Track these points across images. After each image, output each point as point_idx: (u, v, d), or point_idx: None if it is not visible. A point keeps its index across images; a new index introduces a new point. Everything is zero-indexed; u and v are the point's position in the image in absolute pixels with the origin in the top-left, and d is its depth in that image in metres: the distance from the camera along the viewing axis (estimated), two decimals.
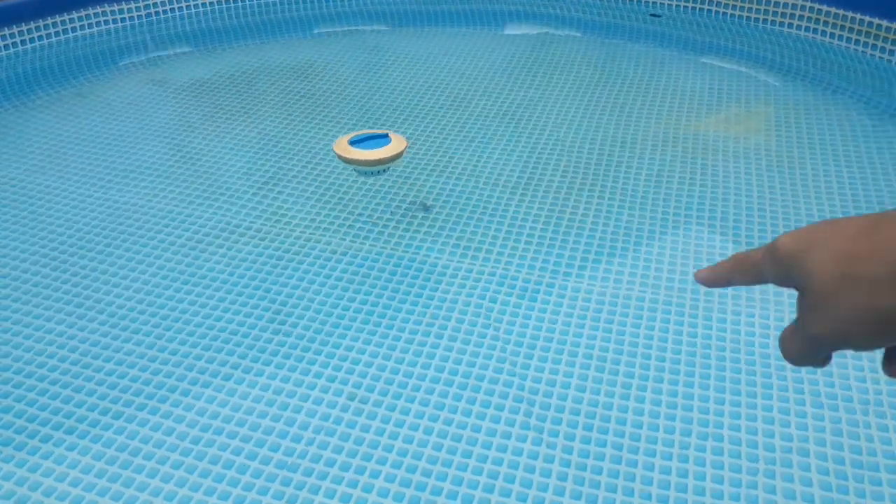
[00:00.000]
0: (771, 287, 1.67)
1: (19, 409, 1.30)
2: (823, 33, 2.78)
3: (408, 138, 1.94)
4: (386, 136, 1.76)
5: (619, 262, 1.64)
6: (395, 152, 1.74)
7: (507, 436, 1.24)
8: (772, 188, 1.88)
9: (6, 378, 1.36)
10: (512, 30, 3.14)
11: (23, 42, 2.77)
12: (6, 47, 2.73)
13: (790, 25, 2.89)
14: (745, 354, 1.38)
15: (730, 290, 1.54)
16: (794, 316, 0.43)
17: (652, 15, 3.09)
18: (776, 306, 1.50)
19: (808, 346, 0.42)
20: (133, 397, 1.32)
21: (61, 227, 1.80)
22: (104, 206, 1.89)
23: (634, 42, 2.93)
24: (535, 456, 1.20)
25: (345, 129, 2.23)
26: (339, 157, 1.75)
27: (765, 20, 2.94)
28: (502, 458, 1.20)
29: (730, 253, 1.65)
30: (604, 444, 1.22)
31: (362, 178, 1.90)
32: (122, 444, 1.23)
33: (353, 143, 1.76)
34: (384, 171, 1.77)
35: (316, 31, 3.20)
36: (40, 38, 2.83)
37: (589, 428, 1.24)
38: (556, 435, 1.24)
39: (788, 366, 1.36)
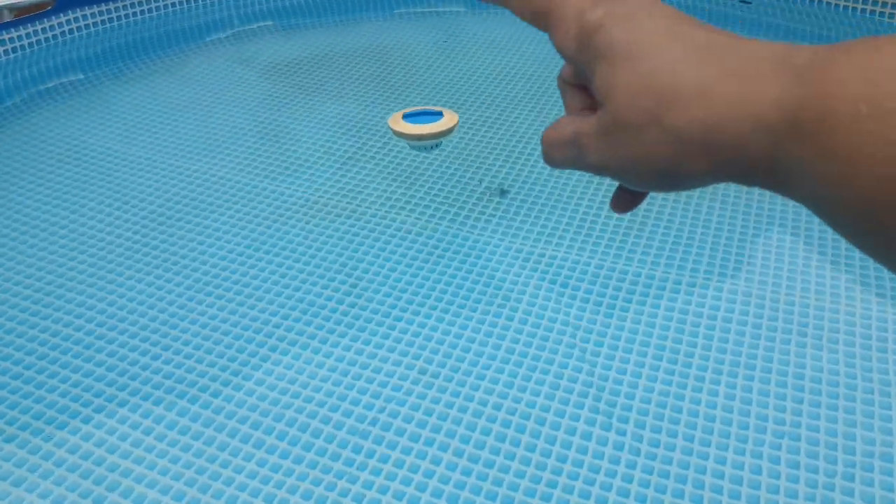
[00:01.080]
0: (874, 275, 1.60)
1: (100, 373, 1.38)
2: (882, 14, 2.64)
3: (461, 115, 1.94)
4: (440, 112, 1.77)
5: (703, 252, 1.61)
6: (443, 129, 1.74)
7: (576, 418, 1.24)
8: None
9: (96, 339, 1.44)
10: None
11: (118, 17, 2.89)
12: (102, 22, 2.85)
13: (891, 16, 2.76)
14: (827, 352, 1.35)
15: (825, 286, 1.49)
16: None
17: (742, 1, 3.00)
18: (878, 299, 1.45)
19: (580, 164, 0.36)
20: (217, 359, 1.38)
21: (151, 196, 1.88)
22: (192, 176, 1.96)
23: (724, 29, 2.84)
24: (604, 441, 1.20)
25: None
26: (392, 130, 1.76)
27: (863, 9, 2.81)
28: (571, 440, 1.21)
29: (819, 246, 1.60)
30: (675, 435, 1.21)
31: (415, 152, 1.92)
32: (204, 403, 1.29)
33: (406, 117, 1.78)
34: (436, 146, 1.80)
35: (395, 11, 3.22)
36: (134, 14, 2.95)
37: (660, 417, 1.24)
38: (625, 421, 1.23)
39: (875, 364, 1.32)
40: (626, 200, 0.39)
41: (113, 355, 1.40)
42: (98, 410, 1.28)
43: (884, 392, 1.26)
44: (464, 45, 2.75)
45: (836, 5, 2.87)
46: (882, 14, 2.77)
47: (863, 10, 2.81)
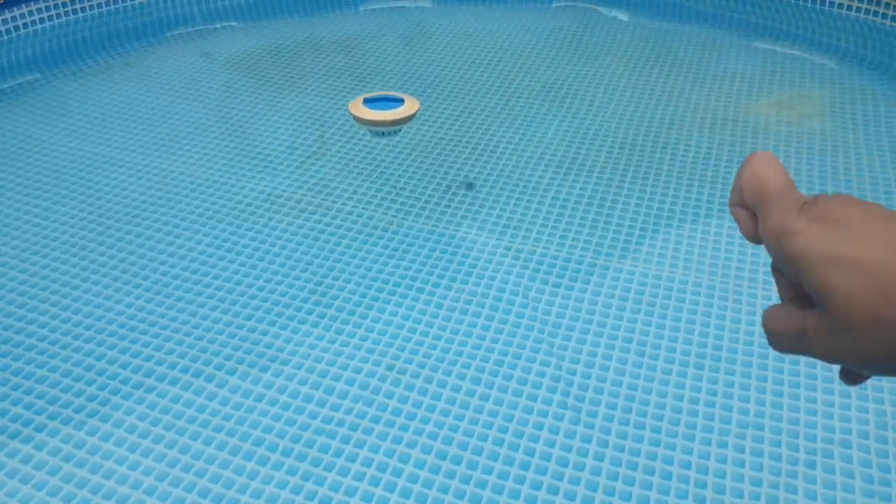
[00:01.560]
0: None
1: (65, 369, 1.34)
2: (884, 16, 2.68)
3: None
4: (401, 99, 1.75)
5: (663, 245, 1.61)
6: (403, 115, 1.72)
7: (544, 414, 1.23)
8: (822, 174, 1.83)
9: (56, 341, 1.40)
10: (560, 7, 3.09)
11: (74, 11, 2.82)
12: (58, 16, 2.78)
13: (849, 7, 2.79)
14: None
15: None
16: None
17: None
18: None
19: (808, 354, 0.36)
20: (178, 359, 1.35)
21: (110, 194, 1.84)
22: (152, 173, 1.92)
23: (686, 23, 2.86)
24: (571, 435, 1.20)
25: None
26: (353, 116, 1.73)
27: (822, 2, 2.85)
28: (539, 435, 1.20)
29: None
30: (642, 427, 1.21)
31: (381, 145, 1.91)
32: (164, 407, 1.26)
33: (367, 102, 1.75)
34: (396, 132, 1.78)
35: (361, 7, 3.19)
36: (91, 7, 2.87)
37: (627, 410, 1.24)
38: (594, 415, 1.23)
39: (834, 367, 1.33)
40: (856, 376, 0.39)
41: (67, 360, 1.36)
42: (53, 417, 1.25)
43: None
44: (430, 38, 2.73)
45: (797, 1, 2.91)
46: (840, 6, 2.81)
47: (830, 3, 2.84)
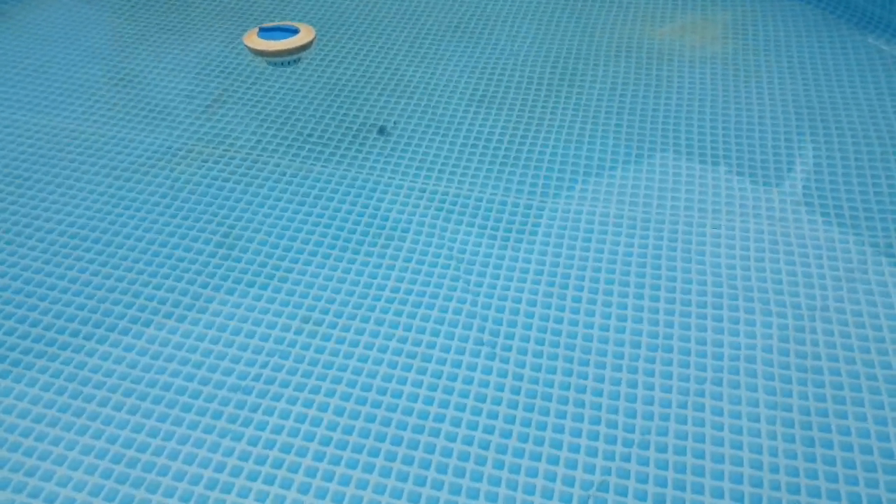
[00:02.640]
0: (740, 199, 1.62)
1: None
2: None
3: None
4: (296, 29, 1.69)
5: (577, 177, 1.62)
6: (299, 44, 1.67)
7: (461, 351, 1.24)
8: (726, 98, 1.87)
9: None
10: None
11: None
12: None
13: None
14: (696, 268, 1.40)
15: (694, 201, 1.54)
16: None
17: None
18: (741, 219, 1.51)
19: None
20: (79, 326, 1.29)
21: None
22: (38, 131, 1.80)
23: None
24: (488, 370, 1.21)
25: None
26: (248, 48, 1.67)
27: None
28: (457, 373, 1.21)
29: (688, 165, 1.64)
30: (555, 358, 1.23)
31: (271, 69, 1.85)
32: (69, 374, 1.21)
33: (262, 33, 1.68)
34: (295, 62, 1.75)
35: None
36: None
37: (541, 342, 1.26)
38: (508, 350, 1.25)
39: (740, 285, 1.38)
40: None
41: None
42: None
43: (747, 298, 1.33)
44: None
45: None
46: None
47: None
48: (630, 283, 1.36)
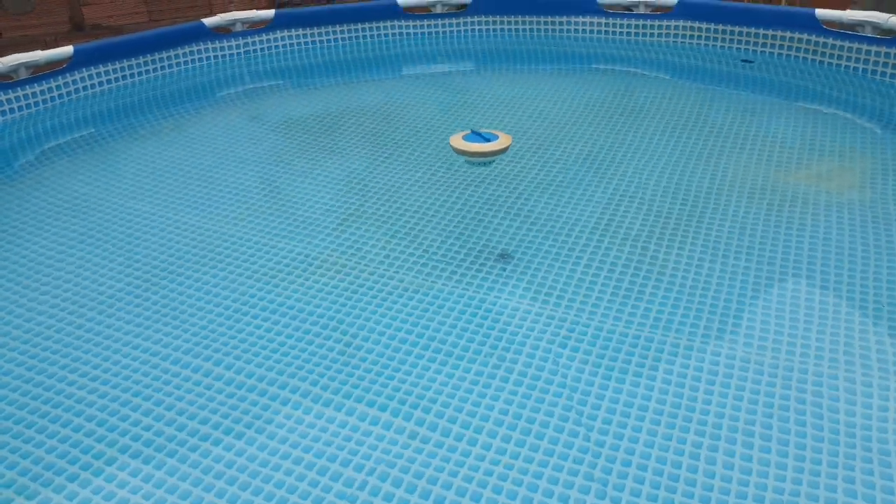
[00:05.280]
0: (877, 352, 1.52)
1: (110, 422, 1.37)
2: None
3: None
4: (496, 135, 2.21)
5: (699, 314, 1.59)
6: (497, 148, 2.12)
7: (569, 485, 1.21)
8: (865, 244, 1.79)
9: (95, 390, 1.44)
10: (599, 72, 3.14)
11: (131, 75, 2.97)
12: (116, 80, 2.93)
13: (883, 74, 2.78)
14: (828, 425, 1.31)
15: (825, 350, 1.47)
16: None
17: (744, 61, 3.04)
18: (880, 375, 1.41)
19: None
20: (210, 415, 1.37)
21: (154, 252, 1.90)
22: (195, 232, 1.98)
23: (725, 87, 2.87)
24: (585, 490, 1.17)
25: (423, 169, 2.28)
26: (453, 148, 2.16)
27: (864, 69, 2.84)
28: (568, 494, 1.17)
29: (822, 306, 1.57)
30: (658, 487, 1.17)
31: (472, 168, 2.24)
32: (194, 461, 1.28)
33: (466, 137, 2.17)
34: (490, 162, 2.20)
35: (403, 72, 3.29)
36: (147, 71, 3.02)
37: (656, 486, 1.20)
38: (620, 489, 1.20)
39: (875, 448, 1.28)
40: None
41: (103, 410, 1.38)
42: (85, 468, 1.27)
43: (883, 462, 1.22)
44: (468, 106, 2.79)
45: (839, 66, 2.90)
46: (884, 74, 2.79)
47: (864, 70, 2.83)
48: (755, 434, 1.29)
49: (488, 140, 2.10)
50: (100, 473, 1.26)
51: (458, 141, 2.11)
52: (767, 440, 1.27)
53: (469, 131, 2.15)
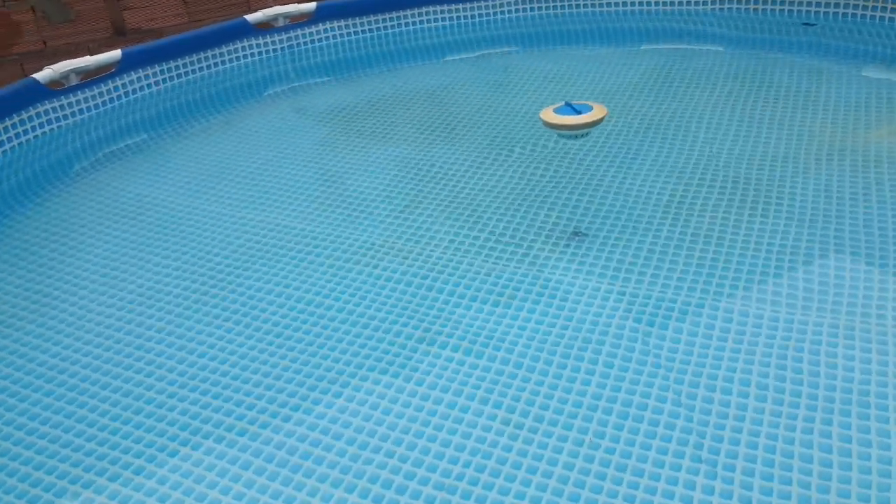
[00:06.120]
0: None
1: (180, 414, 1.34)
2: None
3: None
4: (589, 106, 2.04)
5: (790, 284, 1.51)
6: (593, 119, 1.97)
7: (677, 468, 1.15)
8: None
9: (172, 382, 1.41)
10: (647, 47, 3.04)
11: (178, 76, 2.96)
12: (163, 81, 2.92)
13: None
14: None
15: None
16: None
17: (805, 24, 2.91)
18: None
19: None
20: (278, 409, 1.33)
21: (216, 248, 1.87)
22: (256, 227, 1.95)
23: (786, 53, 2.75)
24: (710, 491, 1.10)
25: (477, 151, 2.22)
26: (544, 122, 2.02)
27: None
28: (673, 490, 1.11)
29: None
30: (788, 482, 1.10)
31: (564, 140, 2.17)
32: (269, 454, 1.24)
33: (557, 111, 2.03)
34: (585, 135, 2.08)
35: (447, 56, 3.23)
36: (192, 72, 3.01)
37: (769, 464, 1.13)
38: (731, 469, 1.13)
39: None
40: None
41: (173, 409, 1.36)
42: (177, 451, 1.24)
43: None
44: (516, 85, 2.72)
45: None
46: None
47: None
48: (852, 401, 1.21)
49: (579, 112, 1.99)
50: (186, 460, 1.23)
51: (549, 115, 2.02)
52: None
53: (563, 103, 2.05)
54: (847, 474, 1.10)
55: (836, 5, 2.91)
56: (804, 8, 2.99)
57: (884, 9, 2.80)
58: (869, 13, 2.84)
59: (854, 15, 2.88)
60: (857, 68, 2.52)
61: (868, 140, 2.01)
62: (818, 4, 2.95)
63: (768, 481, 1.11)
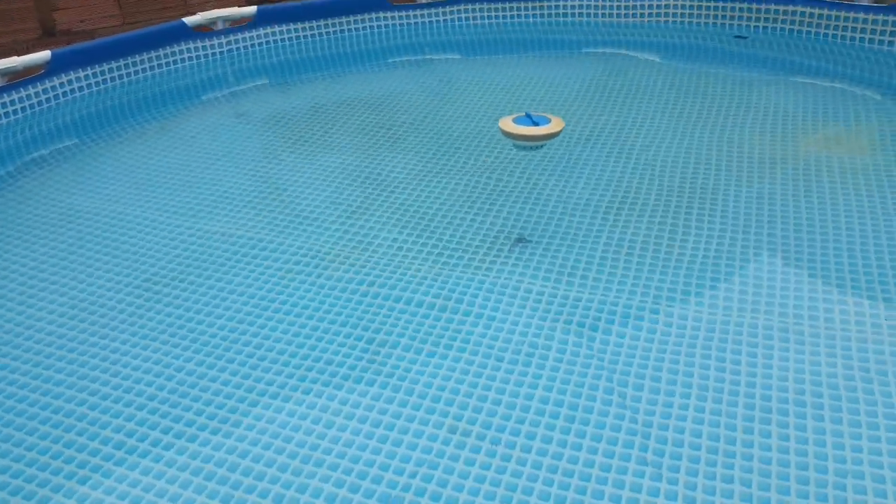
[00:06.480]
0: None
1: (116, 425, 1.29)
2: None
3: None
4: (547, 118, 2.06)
5: (726, 287, 1.55)
6: (550, 132, 2.00)
7: (623, 471, 1.16)
8: (885, 209, 1.77)
9: (104, 395, 1.36)
10: (587, 57, 3.10)
11: (112, 79, 2.86)
12: (96, 84, 2.82)
13: (881, 42, 2.77)
14: (861, 382, 1.28)
15: (852, 314, 1.43)
16: None
17: (737, 37, 3.01)
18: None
19: None
20: (219, 425, 1.29)
21: (151, 258, 1.81)
22: (194, 235, 1.90)
23: (720, 65, 2.84)
24: (655, 493, 1.12)
25: (423, 158, 2.22)
26: (503, 131, 2.04)
27: (861, 38, 2.82)
28: (620, 494, 1.12)
29: (843, 278, 1.54)
30: (730, 481, 1.13)
31: (521, 152, 2.16)
32: (209, 471, 1.20)
33: (516, 121, 2.04)
34: (540, 147, 2.09)
35: (389, 60, 3.22)
36: (127, 75, 2.92)
37: (712, 464, 1.16)
38: (675, 471, 1.15)
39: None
40: None
41: (106, 426, 1.30)
42: (118, 462, 1.19)
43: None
44: (459, 93, 2.73)
45: (836, 35, 2.88)
46: (882, 42, 2.78)
47: (861, 40, 2.82)
48: (789, 401, 1.25)
49: (537, 123, 2.01)
50: (119, 471, 1.18)
51: (507, 124, 2.05)
52: (801, 406, 1.23)
53: (523, 113, 2.08)
54: (786, 471, 1.13)
55: (766, 20, 3.02)
56: (736, 22, 3.09)
57: (810, 24, 2.92)
58: (797, 27, 2.96)
59: (783, 29, 2.99)
60: (785, 79, 2.62)
61: (799, 147, 2.08)
62: (749, 18, 3.06)
63: (711, 480, 1.13)
